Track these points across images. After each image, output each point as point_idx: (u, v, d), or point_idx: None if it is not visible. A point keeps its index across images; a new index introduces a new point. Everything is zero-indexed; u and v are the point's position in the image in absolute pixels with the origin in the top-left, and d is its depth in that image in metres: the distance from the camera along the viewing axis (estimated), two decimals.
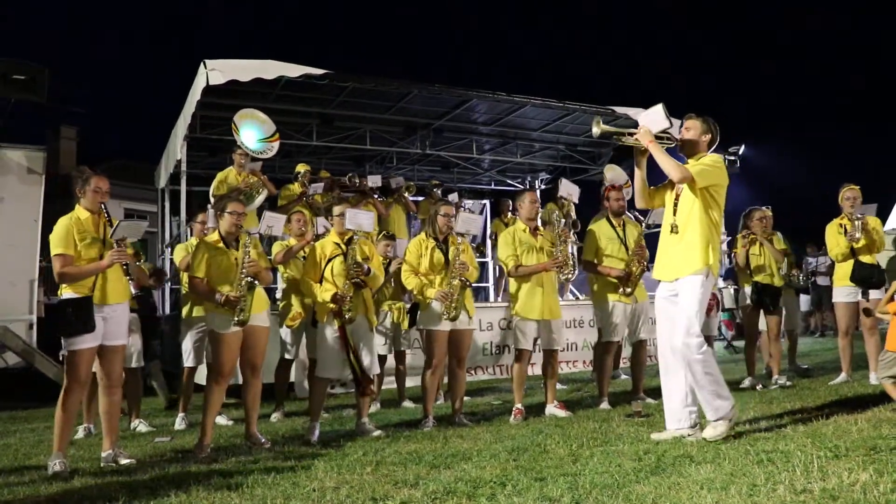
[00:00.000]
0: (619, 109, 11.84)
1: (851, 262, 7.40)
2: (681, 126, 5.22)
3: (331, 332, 5.93)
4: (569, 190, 8.46)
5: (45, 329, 10.37)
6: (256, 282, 5.56)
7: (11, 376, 9.97)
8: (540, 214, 6.92)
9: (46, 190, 10.60)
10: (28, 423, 7.51)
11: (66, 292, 4.99)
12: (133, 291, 5.50)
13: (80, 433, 6.69)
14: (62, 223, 5.05)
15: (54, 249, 4.95)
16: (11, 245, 9.80)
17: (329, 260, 6.05)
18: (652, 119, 5.07)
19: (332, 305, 5.87)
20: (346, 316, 5.88)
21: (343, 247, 6.08)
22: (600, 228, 7.08)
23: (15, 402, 9.07)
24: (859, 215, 7.32)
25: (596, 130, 5.00)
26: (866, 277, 7.33)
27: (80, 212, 5.15)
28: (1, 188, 10.35)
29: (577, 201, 8.58)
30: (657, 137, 5.00)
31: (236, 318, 5.45)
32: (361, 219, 6.16)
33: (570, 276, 6.56)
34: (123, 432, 6.61)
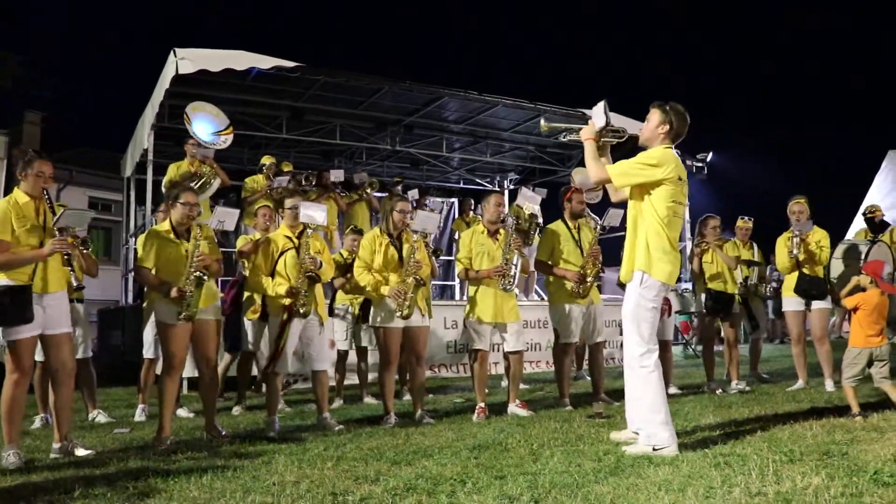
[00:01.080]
0: (589, 111, 11.88)
1: (796, 274, 7.59)
2: None
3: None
4: (527, 199, 8.43)
5: None
6: (206, 276, 5.50)
7: None
8: (504, 216, 6.91)
9: (7, 174, 10.45)
10: None
11: (2, 279, 4.74)
12: (75, 283, 5.31)
13: (38, 423, 6.60)
14: None
15: None
16: None
17: (281, 253, 6.02)
18: (595, 115, 4.93)
19: (286, 300, 5.84)
20: (302, 310, 5.86)
21: (295, 240, 6.05)
22: (557, 230, 7.13)
23: None
24: (797, 231, 7.50)
25: (543, 126, 5.11)
26: (807, 289, 7.56)
27: (20, 195, 4.90)
28: None
29: (537, 210, 8.51)
30: (611, 134, 4.92)
31: (182, 313, 5.40)
32: (314, 212, 6.11)
33: (508, 286, 6.50)
34: (81, 423, 6.53)
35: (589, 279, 6.92)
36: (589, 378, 7.99)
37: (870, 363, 5.60)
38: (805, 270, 7.55)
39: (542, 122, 5.17)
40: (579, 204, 7.19)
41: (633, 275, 4.70)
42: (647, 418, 4.52)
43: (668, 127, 4.72)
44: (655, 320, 4.71)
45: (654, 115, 4.77)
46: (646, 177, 4.64)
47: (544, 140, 14.14)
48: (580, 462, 4.23)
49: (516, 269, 6.56)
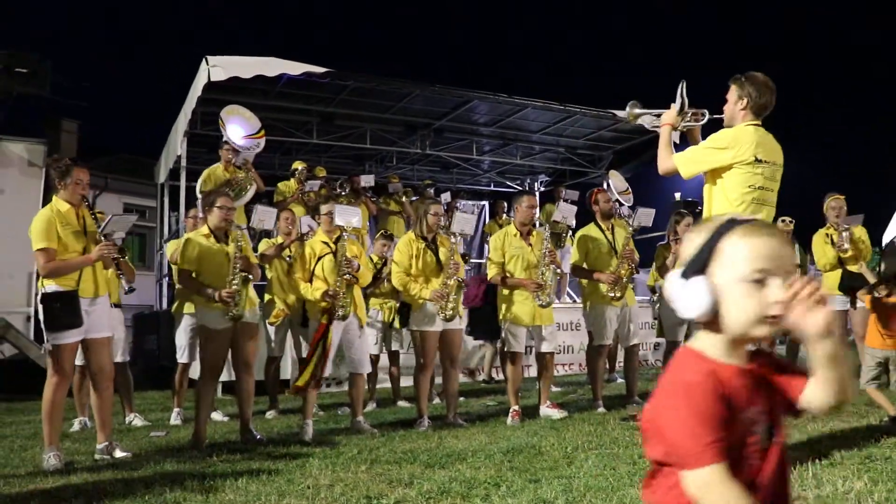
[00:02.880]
0: (620, 113, 11.81)
1: (839, 271, 7.45)
2: None
3: None
4: (564, 213, 8.38)
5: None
6: (250, 276, 5.57)
7: (8, 368, 9.98)
8: (537, 217, 6.88)
9: (46, 183, 10.62)
10: (24, 415, 7.51)
11: (50, 285, 4.87)
12: (125, 287, 5.42)
13: (76, 426, 6.69)
14: (43, 216, 4.89)
15: (36, 244, 4.80)
16: (10, 237, 9.82)
17: (319, 258, 6.06)
18: (676, 99, 4.52)
19: (323, 303, 5.88)
20: (340, 313, 5.89)
21: (332, 245, 6.08)
22: (589, 232, 7.08)
23: (11, 393, 9.06)
24: (846, 225, 7.37)
25: (630, 114, 4.75)
26: (854, 286, 7.38)
27: (60, 204, 4.99)
28: (1, 180, 10.39)
29: (573, 223, 8.43)
30: (690, 117, 4.51)
31: (230, 313, 5.46)
32: (350, 215, 6.16)
33: (544, 303, 6.46)
34: (119, 426, 6.61)
35: (623, 280, 6.87)
36: (622, 380, 7.94)
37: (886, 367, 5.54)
38: (849, 267, 7.41)
39: (628, 109, 4.80)
40: (607, 203, 7.15)
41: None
42: None
43: (746, 101, 4.25)
44: None
45: (731, 92, 4.34)
46: (714, 162, 4.23)
47: (574, 142, 14.08)
48: (615, 465, 4.20)
49: (552, 286, 6.53)
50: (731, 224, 1.45)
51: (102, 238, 5.01)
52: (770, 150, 4.22)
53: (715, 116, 4.45)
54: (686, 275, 1.46)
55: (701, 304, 1.43)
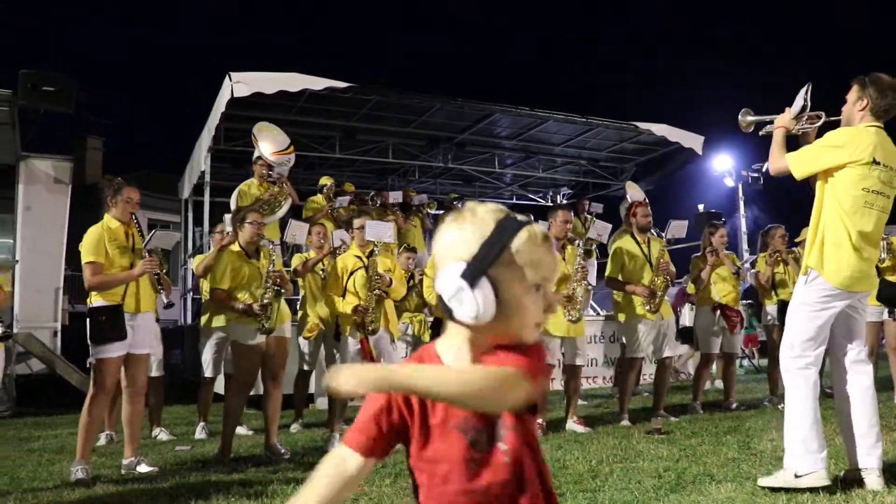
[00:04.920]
0: (642, 125, 11.82)
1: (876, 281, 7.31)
2: None
3: (353, 343, 5.97)
4: (599, 231, 8.29)
5: (69, 336, 10.48)
6: (283, 290, 5.62)
7: (35, 382, 10.10)
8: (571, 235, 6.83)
9: (72, 199, 10.76)
10: (51, 430, 7.57)
11: (97, 300, 5.03)
12: (164, 301, 5.54)
13: (102, 440, 6.73)
14: (93, 232, 5.08)
15: (85, 257, 5.00)
16: (38, 253, 9.97)
17: (351, 273, 6.08)
18: (796, 101, 4.27)
19: (355, 317, 5.90)
20: (370, 328, 5.91)
21: (364, 259, 6.11)
22: (625, 245, 7.04)
23: (39, 407, 9.15)
24: (885, 235, 7.26)
25: (744, 122, 4.48)
26: (892, 296, 7.24)
27: (110, 221, 5.18)
28: (29, 197, 10.54)
29: (605, 241, 8.37)
30: (807, 120, 4.26)
31: (263, 326, 5.50)
32: (382, 230, 6.20)
33: (575, 315, 6.43)
34: (144, 440, 6.65)
35: (659, 293, 6.83)
36: (647, 393, 7.89)
37: None
38: (887, 277, 7.28)
39: (740, 117, 4.55)
40: (644, 217, 7.08)
41: (801, 275, 4.08)
42: (787, 434, 3.90)
43: (866, 102, 4.00)
44: (816, 325, 3.94)
45: (851, 92, 4.09)
46: (828, 161, 3.97)
47: (597, 154, 14.06)
48: (640, 479, 4.16)
49: (582, 301, 6.50)
50: (518, 224, 1.38)
51: (147, 254, 5.14)
52: (890, 154, 3.98)
53: (832, 119, 4.24)
54: (470, 277, 1.32)
55: (489, 309, 1.32)
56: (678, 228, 7.17)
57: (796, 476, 3.68)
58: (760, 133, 4.43)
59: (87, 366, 5.19)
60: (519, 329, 1.37)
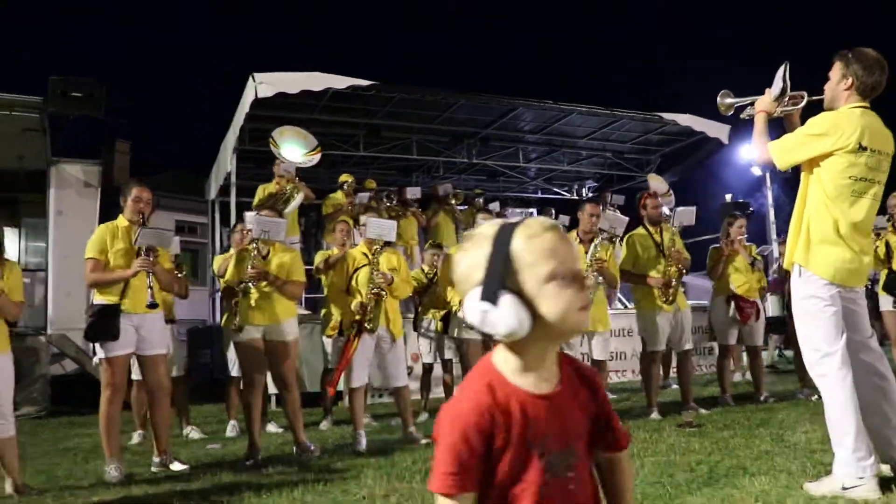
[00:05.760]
0: (667, 116, 11.72)
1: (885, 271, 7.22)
2: None
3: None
4: (611, 222, 8.21)
5: None
6: (252, 286, 5.63)
7: (69, 382, 10.23)
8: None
9: (102, 203, 10.87)
10: (85, 429, 7.67)
11: (99, 298, 5.09)
12: (149, 300, 5.28)
13: (136, 439, 6.81)
14: (99, 230, 5.19)
15: (86, 254, 5.07)
16: (70, 256, 10.06)
17: (357, 270, 6.09)
18: (775, 83, 4.10)
19: (357, 315, 5.91)
20: (368, 326, 5.91)
21: (370, 257, 6.11)
22: (638, 237, 7.01)
23: (73, 407, 9.28)
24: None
25: (722, 105, 4.35)
26: None
27: (121, 220, 5.25)
28: (60, 201, 10.67)
29: (619, 233, 8.27)
30: (789, 101, 4.10)
31: (234, 324, 5.61)
32: (383, 227, 6.20)
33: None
34: (176, 438, 6.72)
35: (673, 283, 6.77)
36: (676, 386, 7.83)
37: None
38: (895, 267, 7.18)
39: (720, 99, 4.38)
40: (654, 209, 7.05)
41: (790, 269, 3.89)
42: (834, 441, 3.61)
43: (851, 80, 3.76)
44: (828, 319, 3.68)
45: (834, 69, 3.85)
46: (811, 151, 3.76)
47: (621, 146, 13.97)
48: (672, 472, 4.13)
49: (591, 290, 6.44)
50: (511, 227, 1.36)
51: (143, 252, 5.09)
52: (878, 137, 3.75)
53: (815, 98, 4.02)
54: (489, 297, 1.32)
55: (522, 319, 1.32)
56: (686, 215, 7.11)
57: (844, 488, 3.46)
58: (742, 116, 4.27)
59: (94, 365, 5.23)
60: (562, 323, 1.35)
